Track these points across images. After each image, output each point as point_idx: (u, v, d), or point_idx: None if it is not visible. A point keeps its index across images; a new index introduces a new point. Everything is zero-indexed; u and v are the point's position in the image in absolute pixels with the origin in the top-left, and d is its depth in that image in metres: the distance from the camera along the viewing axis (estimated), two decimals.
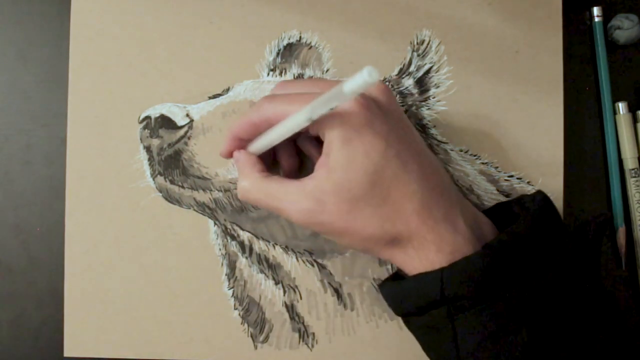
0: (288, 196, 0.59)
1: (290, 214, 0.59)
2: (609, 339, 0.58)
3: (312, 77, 0.72)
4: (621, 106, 0.73)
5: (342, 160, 0.56)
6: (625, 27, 0.72)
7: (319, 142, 0.64)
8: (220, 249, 0.71)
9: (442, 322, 0.57)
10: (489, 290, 0.55)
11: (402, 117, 0.61)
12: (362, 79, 0.49)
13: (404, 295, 0.59)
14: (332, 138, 0.57)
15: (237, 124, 0.63)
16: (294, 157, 0.69)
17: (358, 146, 0.56)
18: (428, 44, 0.72)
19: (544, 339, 0.55)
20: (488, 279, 0.55)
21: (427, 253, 0.57)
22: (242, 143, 0.65)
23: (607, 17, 0.73)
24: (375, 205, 0.57)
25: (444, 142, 0.71)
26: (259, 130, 0.62)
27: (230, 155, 0.66)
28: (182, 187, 0.70)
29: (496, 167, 0.71)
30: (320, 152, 0.60)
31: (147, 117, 0.70)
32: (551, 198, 0.68)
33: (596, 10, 0.73)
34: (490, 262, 0.55)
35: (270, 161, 0.68)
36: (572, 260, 0.59)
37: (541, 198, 0.62)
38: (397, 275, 0.65)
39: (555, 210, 0.62)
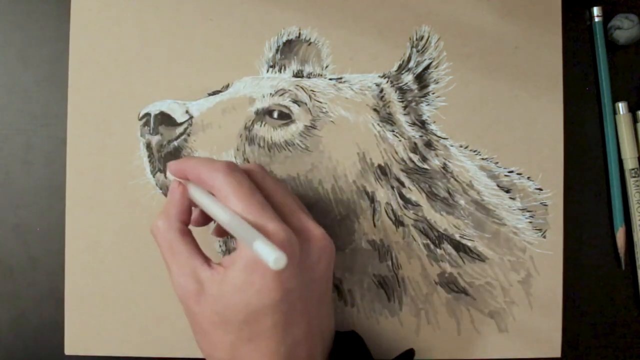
0: (183, 264, 0.57)
1: (173, 279, 0.58)
2: None
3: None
4: (621, 106, 0.73)
5: (236, 281, 0.54)
6: (625, 27, 0.72)
7: None
8: (220, 246, 0.72)
9: None
10: None
11: (321, 278, 0.60)
12: (267, 258, 0.48)
13: None
14: (240, 255, 0.54)
15: (189, 165, 0.60)
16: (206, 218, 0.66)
17: (256, 281, 0.53)
18: (427, 39, 0.72)
19: None
20: None
21: None
22: (183, 177, 0.61)
23: (607, 17, 0.74)
24: (238, 339, 0.55)
25: (444, 138, 0.71)
26: (200, 184, 0.59)
27: (176, 174, 0.61)
28: None
29: (496, 163, 0.71)
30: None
31: (147, 114, 0.70)
32: (551, 195, 0.69)
33: (596, 10, 0.73)
34: None
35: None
36: None
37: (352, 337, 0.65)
38: None
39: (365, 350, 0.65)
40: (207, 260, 0.58)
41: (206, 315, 0.56)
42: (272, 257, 0.48)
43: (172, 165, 0.62)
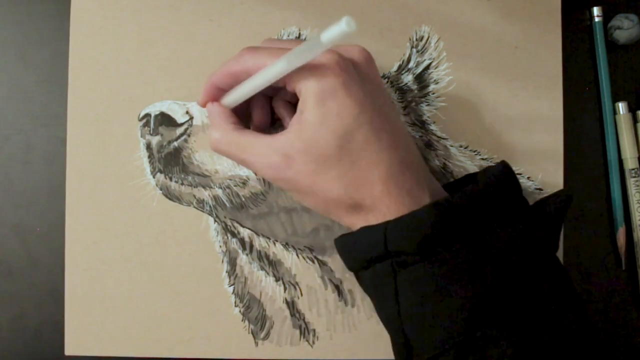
0: (257, 149, 0.59)
1: (258, 167, 0.60)
2: (559, 311, 0.57)
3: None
4: (621, 106, 0.73)
5: (314, 119, 0.56)
6: (625, 27, 0.72)
7: (292, 106, 0.66)
8: (220, 246, 0.71)
9: (385, 277, 0.56)
10: (431, 248, 0.55)
11: (379, 84, 0.62)
12: (339, 29, 0.49)
13: (353, 248, 0.59)
14: (307, 96, 0.56)
15: (216, 73, 0.63)
16: (267, 114, 0.68)
17: (332, 106, 0.56)
18: (427, 40, 0.72)
19: (485, 302, 0.54)
20: (432, 236, 0.54)
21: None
22: (219, 93, 0.64)
23: (607, 17, 0.73)
24: (342, 168, 0.57)
25: (444, 138, 0.71)
26: (237, 81, 0.62)
27: (205, 105, 0.65)
28: (182, 184, 0.70)
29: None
30: (292, 116, 0.61)
31: (147, 115, 0.70)
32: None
33: (596, 10, 0.73)
34: (436, 219, 0.54)
35: (244, 117, 0.68)
36: (526, 230, 0.58)
37: (502, 167, 0.61)
38: None
39: (515, 181, 0.61)
40: (272, 133, 0.60)
41: (303, 170, 0.57)
42: (342, 23, 0.49)
43: (201, 99, 0.66)
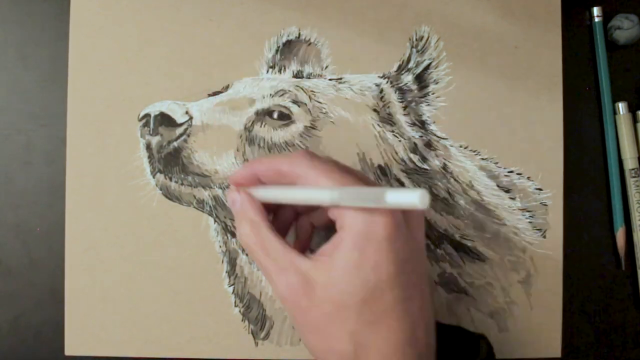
0: (282, 262, 0.54)
1: (275, 281, 0.55)
2: None
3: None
4: (621, 106, 0.73)
5: (347, 261, 0.51)
6: (625, 27, 0.72)
7: (313, 230, 0.65)
8: (220, 246, 0.71)
9: None
10: None
11: (422, 248, 0.58)
12: (410, 201, 0.46)
13: None
14: (347, 235, 0.51)
15: (263, 163, 0.59)
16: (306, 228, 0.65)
17: (371, 257, 0.51)
18: (427, 40, 0.72)
19: None
20: None
21: None
22: (253, 182, 0.60)
23: (607, 17, 0.74)
24: (358, 324, 0.51)
25: (444, 138, 0.71)
26: (281, 181, 0.57)
27: (240, 183, 0.60)
28: (182, 184, 0.70)
29: (496, 163, 0.71)
30: (310, 239, 0.61)
31: (147, 115, 0.70)
32: (551, 195, 0.69)
33: (596, 10, 0.73)
34: None
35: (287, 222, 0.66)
36: None
37: (487, 349, 0.62)
38: None
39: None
40: (301, 252, 0.55)
41: (319, 307, 0.52)
42: (415, 196, 0.45)
43: (235, 175, 0.61)
